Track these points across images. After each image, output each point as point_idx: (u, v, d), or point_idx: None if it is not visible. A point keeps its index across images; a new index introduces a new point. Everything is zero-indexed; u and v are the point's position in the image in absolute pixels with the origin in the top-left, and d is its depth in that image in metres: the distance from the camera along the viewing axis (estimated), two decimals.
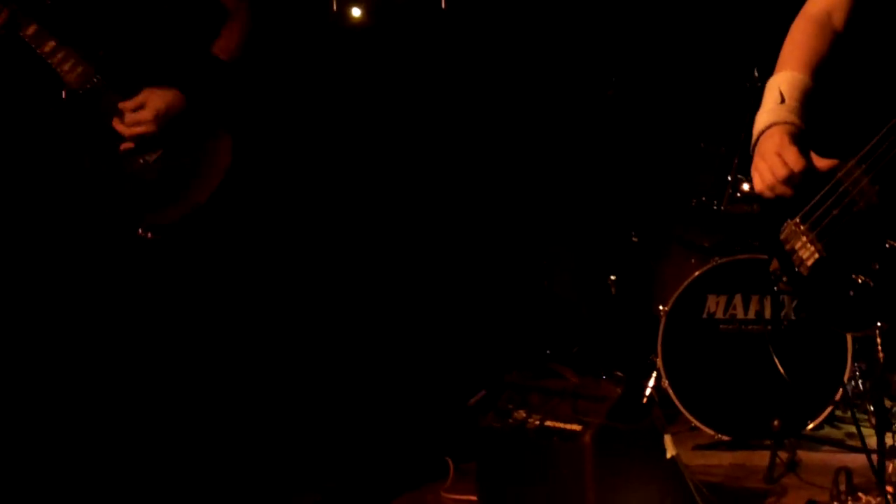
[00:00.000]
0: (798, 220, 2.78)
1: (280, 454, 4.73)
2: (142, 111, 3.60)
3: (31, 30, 3.60)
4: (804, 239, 2.76)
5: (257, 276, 4.42)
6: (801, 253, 2.78)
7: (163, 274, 3.79)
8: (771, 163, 2.68)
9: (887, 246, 2.59)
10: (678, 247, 5.53)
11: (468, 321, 5.87)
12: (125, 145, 3.63)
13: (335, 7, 6.01)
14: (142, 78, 3.66)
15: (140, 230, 3.66)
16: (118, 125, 3.62)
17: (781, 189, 2.68)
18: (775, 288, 2.89)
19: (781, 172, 2.65)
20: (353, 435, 4.92)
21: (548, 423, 3.90)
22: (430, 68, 6.11)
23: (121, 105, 3.61)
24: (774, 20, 3.00)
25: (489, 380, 5.12)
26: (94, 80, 3.62)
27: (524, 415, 3.97)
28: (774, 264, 2.87)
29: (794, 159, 2.65)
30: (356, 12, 6.03)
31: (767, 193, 2.71)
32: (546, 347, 5.86)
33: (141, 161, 3.67)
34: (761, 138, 2.74)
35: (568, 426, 3.86)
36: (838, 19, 2.84)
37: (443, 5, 6.18)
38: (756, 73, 5.22)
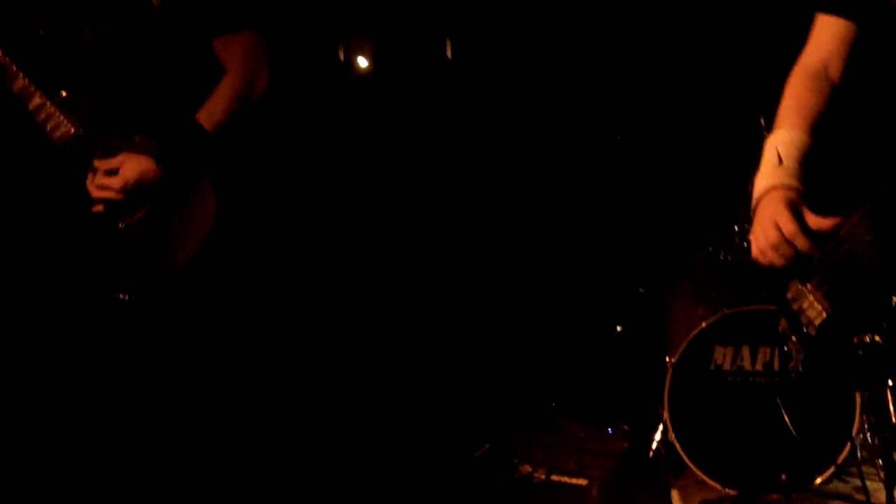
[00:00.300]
0: (804, 279, 2.75)
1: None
2: (113, 177, 3.52)
3: (18, 84, 3.59)
4: (811, 298, 2.73)
5: (239, 344, 4.35)
6: (808, 312, 2.74)
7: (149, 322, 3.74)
8: (765, 228, 2.66)
9: (894, 303, 2.57)
10: (685, 298, 5.51)
11: (475, 372, 5.85)
12: (95, 208, 3.56)
13: (342, 57, 6.04)
14: (124, 137, 3.60)
15: (118, 294, 3.63)
16: (90, 185, 3.55)
17: (773, 256, 2.66)
18: (784, 348, 2.87)
19: (774, 238, 2.64)
20: (357, 485, 4.89)
21: (553, 477, 3.89)
22: (437, 117, 6.13)
23: (96, 163, 3.55)
24: (780, 70, 2.98)
25: (495, 433, 5.12)
26: (75, 142, 3.60)
27: (530, 469, 3.96)
28: (783, 324, 2.84)
29: (788, 225, 2.62)
30: (363, 62, 6.05)
31: (762, 259, 2.70)
32: (552, 399, 5.83)
33: (120, 225, 3.64)
34: (759, 204, 2.74)
35: (574, 480, 3.85)
36: (835, 70, 2.84)
37: (448, 55, 6.20)
38: (762, 122, 5.21)
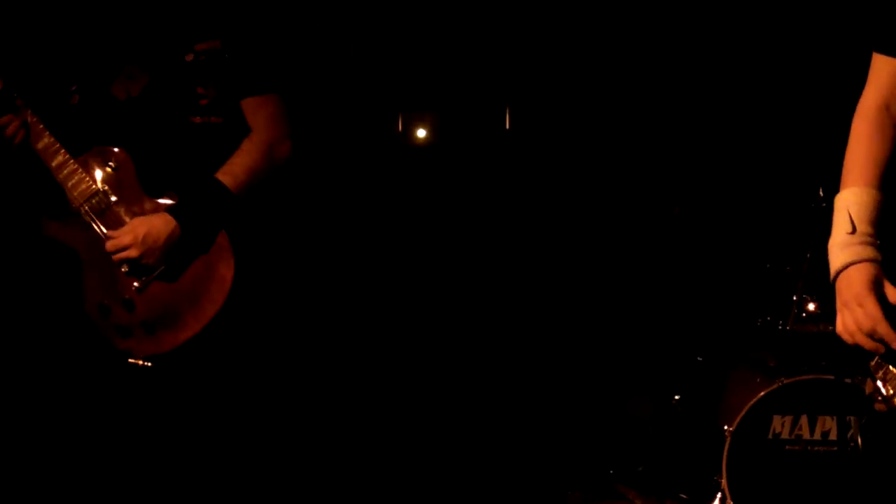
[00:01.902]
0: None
1: None
2: (123, 236, 3.58)
3: (42, 143, 3.66)
4: (894, 370, 2.66)
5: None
6: (894, 383, 2.67)
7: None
8: (853, 311, 2.62)
9: None
10: (743, 367, 5.49)
11: (532, 436, 5.84)
12: (121, 268, 3.61)
13: (400, 128, 6.10)
14: (148, 195, 3.67)
15: (131, 359, 3.65)
16: (106, 242, 3.61)
17: (862, 339, 2.62)
18: (874, 407, 2.79)
19: (866, 325, 2.59)
20: None
21: None
22: (496, 187, 6.18)
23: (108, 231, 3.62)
24: (837, 138, 2.96)
25: (551, 498, 5.10)
26: (96, 198, 3.65)
27: None
28: (870, 387, 2.78)
29: (874, 312, 2.58)
30: (421, 133, 6.12)
31: (849, 341, 2.66)
32: (610, 467, 5.81)
33: (134, 285, 3.66)
34: (839, 281, 2.68)
35: None
36: None
37: (507, 126, 6.26)
38: (821, 193, 5.21)
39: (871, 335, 2.60)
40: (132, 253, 3.56)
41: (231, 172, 3.68)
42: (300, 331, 4.82)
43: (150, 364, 3.64)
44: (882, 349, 2.61)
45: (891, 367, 2.66)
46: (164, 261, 3.60)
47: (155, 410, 3.76)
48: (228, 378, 3.83)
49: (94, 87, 3.75)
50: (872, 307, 2.58)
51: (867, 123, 2.79)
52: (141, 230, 3.56)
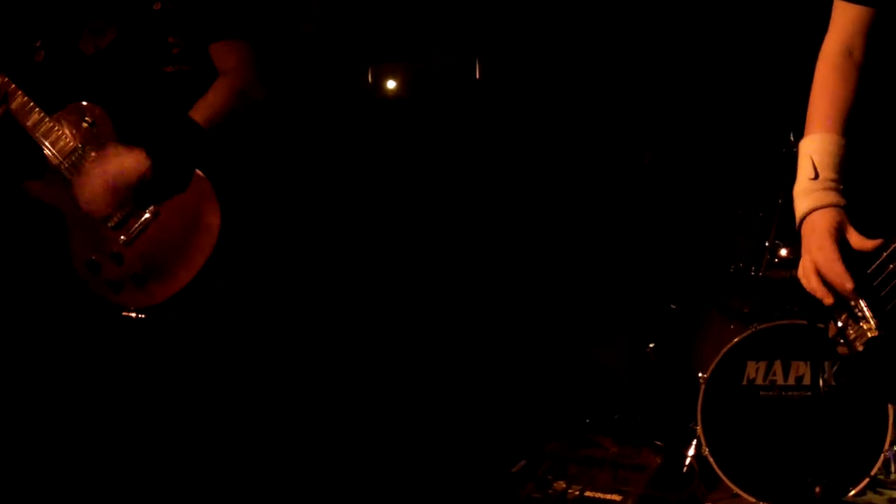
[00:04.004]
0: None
1: None
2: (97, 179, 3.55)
3: (16, 102, 3.63)
4: (857, 314, 2.66)
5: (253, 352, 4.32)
6: (855, 327, 2.67)
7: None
8: (814, 258, 2.62)
9: None
10: (717, 313, 5.52)
11: (507, 389, 5.86)
12: (87, 208, 3.59)
13: (370, 79, 6.08)
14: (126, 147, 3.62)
15: (125, 312, 3.64)
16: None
17: (817, 285, 2.62)
18: (836, 350, 2.80)
19: (823, 270, 2.60)
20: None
21: (588, 493, 3.90)
22: (466, 137, 6.17)
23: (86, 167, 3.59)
24: (807, 82, 2.95)
25: (529, 449, 5.12)
26: (76, 154, 3.63)
27: (564, 485, 3.97)
28: (833, 330, 2.78)
29: (831, 256, 2.59)
30: (391, 85, 6.09)
31: (807, 287, 2.66)
32: (586, 416, 5.84)
33: (122, 238, 3.65)
34: (803, 227, 2.69)
35: (608, 496, 3.86)
36: (858, 53, 2.78)
37: (477, 76, 6.24)
38: (792, 138, 5.22)
39: (825, 280, 2.62)
40: (109, 198, 3.54)
41: (201, 111, 3.65)
42: (287, 277, 4.80)
43: (143, 316, 3.63)
44: (830, 298, 2.63)
45: (853, 311, 2.68)
46: (144, 201, 3.59)
47: (152, 364, 3.76)
48: (221, 327, 3.82)
49: (60, 43, 3.72)
50: (831, 252, 2.60)
51: (830, 69, 2.79)
52: (111, 169, 3.54)
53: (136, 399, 3.80)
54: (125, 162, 3.55)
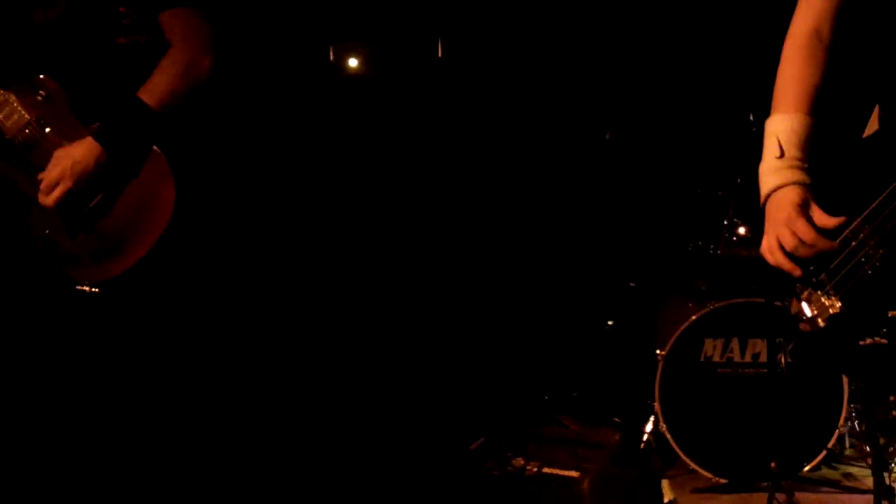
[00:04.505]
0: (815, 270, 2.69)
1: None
2: (50, 172, 3.49)
3: None
4: (819, 291, 2.68)
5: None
6: (818, 304, 2.69)
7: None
8: (781, 234, 2.63)
9: (889, 315, 2.57)
10: (675, 291, 5.56)
11: (468, 367, 5.88)
12: (43, 200, 3.51)
13: (332, 57, 6.07)
14: (80, 122, 3.56)
15: (79, 286, 3.62)
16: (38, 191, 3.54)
17: (783, 260, 2.63)
18: (799, 328, 2.82)
19: (791, 244, 2.62)
20: (348, 479, 4.92)
21: (546, 469, 3.92)
22: (428, 116, 6.17)
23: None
24: (768, 63, 2.97)
25: (488, 427, 5.15)
26: (29, 128, 3.61)
27: (522, 462, 3.99)
28: (795, 306, 2.80)
29: (803, 232, 2.60)
30: (353, 63, 6.09)
31: (772, 261, 2.67)
32: (545, 393, 5.88)
33: (72, 233, 3.60)
34: (768, 204, 2.70)
35: (566, 473, 3.88)
36: (826, 34, 2.77)
37: (439, 54, 6.24)
38: (751, 118, 5.26)
39: (794, 253, 2.63)
40: (64, 186, 3.51)
41: (151, 90, 3.57)
42: (244, 251, 4.79)
43: (97, 290, 3.61)
44: (798, 271, 2.65)
45: (816, 288, 2.70)
46: (97, 188, 3.57)
47: (107, 337, 3.74)
48: (179, 301, 3.81)
49: (12, 14, 3.68)
50: (803, 226, 2.61)
51: (797, 49, 2.79)
52: (67, 161, 3.51)
53: (87, 327, 3.76)
54: (75, 153, 3.53)
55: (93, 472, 3.89)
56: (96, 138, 3.51)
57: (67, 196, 3.52)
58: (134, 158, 3.57)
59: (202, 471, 3.98)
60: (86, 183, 3.51)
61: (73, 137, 3.55)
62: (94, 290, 3.61)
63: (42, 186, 3.51)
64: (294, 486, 4.72)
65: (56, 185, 3.50)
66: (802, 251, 2.61)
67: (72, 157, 3.50)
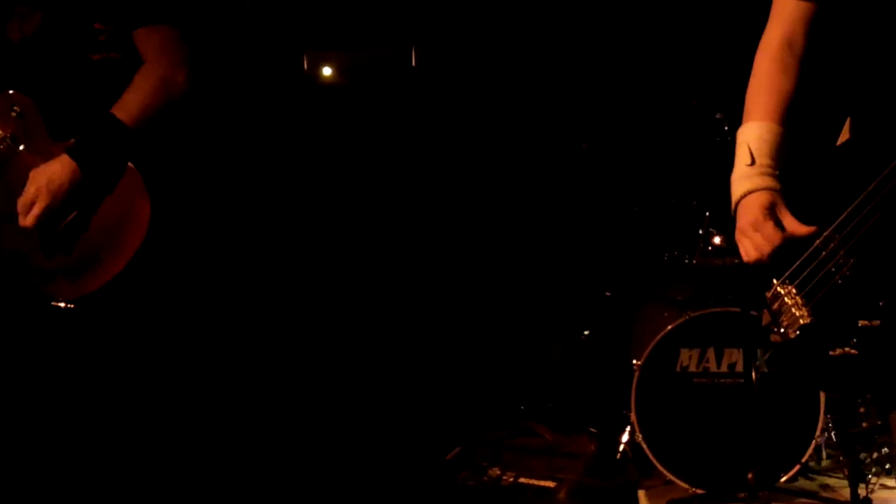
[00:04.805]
0: (785, 280, 2.71)
1: None
2: (26, 191, 3.49)
3: None
4: (790, 302, 2.70)
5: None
6: (789, 315, 2.71)
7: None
8: (752, 238, 2.66)
9: (860, 325, 2.57)
10: (651, 301, 5.55)
11: (444, 377, 5.87)
12: (23, 221, 3.51)
13: (306, 66, 6.06)
14: (53, 139, 3.56)
15: (54, 302, 3.60)
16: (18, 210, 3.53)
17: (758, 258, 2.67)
18: (770, 340, 2.82)
19: (765, 249, 2.64)
20: (326, 487, 4.90)
21: (522, 479, 3.92)
22: (402, 125, 6.16)
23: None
24: (742, 73, 2.97)
25: (464, 437, 5.13)
26: (3, 144, 3.58)
27: (499, 472, 3.99)
28: (766, 318, 2.81)
29: (772, 235, 2.63)
30: (327, 71, 6.07)
31: (749, 261, 2.69)
32: (521, 403, 5.86)
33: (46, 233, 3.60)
34: (738, 209, 2.72)
35: (542, 483, 3.88)
36: (799, 46, 2.80)
37: (413, 63, 6.23)
38: (726, 127, 5.26)
39: (761, 256, 2.65)
40: (41, 204, 3.49)
41: (125, 107, 3.57)
42: (220, 265, 4.77)
43: (73, 306, 3.59)
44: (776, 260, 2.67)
45: (786, 299, 2.70)
46: (72, 206, 3.54)
47: (83, 353, 3.71)
48: (155, 316, 3.79)
49: None
50: (770, 230, 2.63)
51: (769, 60, 2.81)
52: (42, 179, 3.49)
53: (61, 342, 3.74)
54: (50, 171, 3.51)
55: (73, 488, 3.88)
56: (71, 155, 3.51)
57: (44, 213, 3.50)
58: (109, 175, 3.57)
59: (173, 482, 3.97)
60: (61, 201, 3.50)
61: (47, 154, 3.55)
62: (69, 305, 3.59)
63: (19, 207, 3.50)
64: (268, 497, 4.70)
65: (33, 203, 3.49)
66: (768, 253, 2.64)
67: (47, 175, 3.49)
